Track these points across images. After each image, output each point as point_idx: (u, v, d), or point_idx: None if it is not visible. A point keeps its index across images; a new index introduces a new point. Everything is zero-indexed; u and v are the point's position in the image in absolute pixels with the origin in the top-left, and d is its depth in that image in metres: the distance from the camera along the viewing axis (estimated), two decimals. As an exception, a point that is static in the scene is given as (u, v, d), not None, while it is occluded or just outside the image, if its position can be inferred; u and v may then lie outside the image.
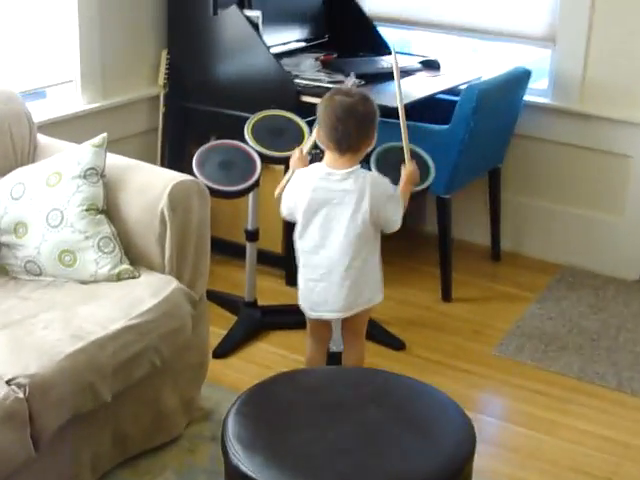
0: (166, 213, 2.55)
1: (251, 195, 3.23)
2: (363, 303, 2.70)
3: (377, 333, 3.37)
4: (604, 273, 3.96)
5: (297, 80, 3.58)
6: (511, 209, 4.13)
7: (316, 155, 3.14)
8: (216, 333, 3.19)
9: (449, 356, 3.29)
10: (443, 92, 3.76)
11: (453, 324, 3.54)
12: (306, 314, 2.75)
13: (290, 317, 3.21)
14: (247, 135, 3.12)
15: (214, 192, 2.98)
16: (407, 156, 2.81)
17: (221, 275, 3.68)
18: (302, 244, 2.67)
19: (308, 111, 3.43)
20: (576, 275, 3.96)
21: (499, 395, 3.14)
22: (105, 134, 2.68)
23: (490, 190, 4.04)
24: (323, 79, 3.60)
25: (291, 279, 3.71)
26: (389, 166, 3.09)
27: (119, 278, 2.54)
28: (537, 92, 3.96)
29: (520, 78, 3.73)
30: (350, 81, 3.55)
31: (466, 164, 3.57)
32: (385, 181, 2.67)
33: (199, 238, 2.64)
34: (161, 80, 3.77)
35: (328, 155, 2.63)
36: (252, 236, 3.35)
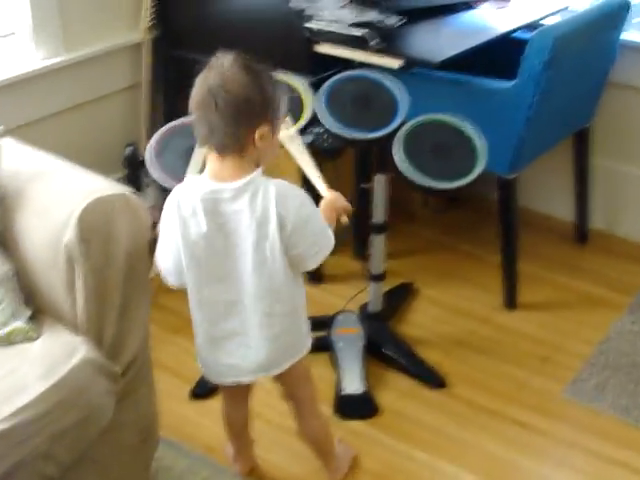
0: (74, 248, 1.79)
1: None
2: (290, 357, 1.94)
3: (410, 364, 2.58)
4: None
5: (312, 24, 2.70)
6: (602, 177, 3.20)
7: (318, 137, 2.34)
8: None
9: (502, 398, 2.47)
10: (515, 30, 2.83)
11: (514, 345, 2.69)
12: (214, 382, 2.02)
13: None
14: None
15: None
16: (321, 187, 2.06)
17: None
18: (198, 295, 1.88)
19: (323, 67, 2.60)
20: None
21: (564, 468, 2.30)
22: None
23: (575, 155, 3.13)
24: (345, 19, 2.69)
25: (315, 275, 2.95)
26: (425, 151, 2.26)
27: (10, 341, 1.82)
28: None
29: (614, 13, 2.75)
30: (393, 19, 2.66)
31: (537, 133, 2.66)
32: (298, 193, 1.81)
33: (129, 279, 1.87)
34: (144, 24, 2.95)
35: (209, 162, 1.82)
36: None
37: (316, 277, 2.99)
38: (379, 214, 2.54)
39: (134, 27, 2.97)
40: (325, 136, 2.32)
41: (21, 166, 1.98)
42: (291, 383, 2.01)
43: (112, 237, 1.83)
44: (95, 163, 2.97)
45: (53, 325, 1.87)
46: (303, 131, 2.29)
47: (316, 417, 2.09)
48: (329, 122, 2.30)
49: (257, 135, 1.73)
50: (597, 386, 2.50)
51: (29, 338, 1.82)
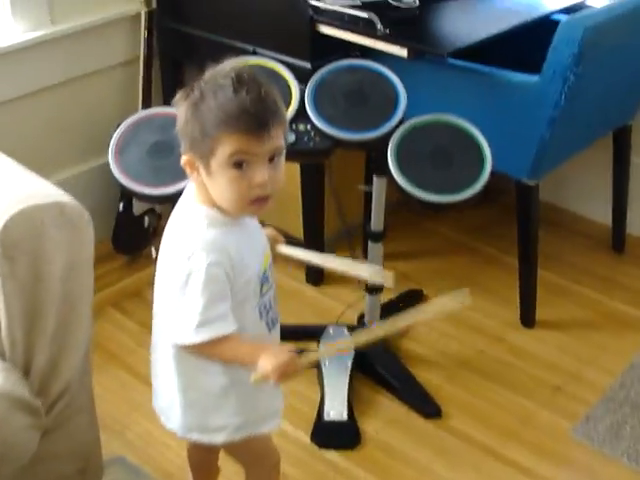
0: (-6, 265, 1.57)
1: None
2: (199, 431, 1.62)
3: (403, 387, 2.33)
4: None
5: (316, 0, 2.42)
6: (645, 179, 2.88)
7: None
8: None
9: (502, 434, 2.20)
10: (550, 14, 2.51)
11: (525, 371, 2.41)
12: None
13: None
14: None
15: (139, 196, 2.00)
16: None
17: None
18: None
19: (327, 51, 2.34)
20: None
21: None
22: None
23: (615, 153, 2.80)
24: (356, -4, 2.41)
25: (314, 275, 2.71)
26: (422, 158, 2.00)
27: None
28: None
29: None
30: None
31: (564, 135, 2.35)
32: (194, 254, 1.43)
33: (65, 301, 1.65)
34: (142, -6, 2.70)
35: None
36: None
37: (315, 277, 2.74)
38: (377, 220, 2.28)
39: (132, -1, 2.72)
40: (312, 134, 2.05)
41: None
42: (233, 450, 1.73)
43: (42, 254, 1.61)
44: (84, 144, 2.79)
45: (-25, 349, 1.67)
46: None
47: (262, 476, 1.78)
48: (316, 118, 2.04)
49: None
50: (612, 426, 2.21)
51: (-62, 364, 1.62)
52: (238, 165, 1.38)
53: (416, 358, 2.44)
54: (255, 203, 1.42)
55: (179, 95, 1.43)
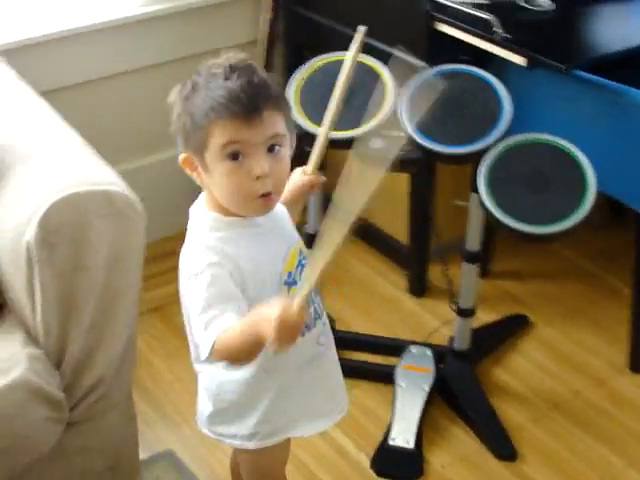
0: (34, 250, 1.53)
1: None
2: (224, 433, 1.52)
3: (481, 422, 2.16)
4: None
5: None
6: None
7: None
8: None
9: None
10: None
11: (621, 422, 2.17)
12: None
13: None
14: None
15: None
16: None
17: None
18: None
19: (443, 51, 2.18)
20: None
21: None
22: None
23: None
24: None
25: (417, 285, 2.56)
26: (515, 184, 1.81)
27: (-46, 342, 1.61)
28: None
29: None
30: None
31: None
32: (193, 261, 1.34)
33: (105, 293, 1.59)
34: (269, -27, 2.61)
35: None
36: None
37: (418, 287, 2.59)
38: (472, 240, 2.10)
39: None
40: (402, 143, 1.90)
41: (16, 142, 1.73)
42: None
43: (85, 243, 1.56)
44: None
45: (9, 330, 1.64)
46: (374, 133, 1.89)
47: None
48: (408, 125, 1.88)
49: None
50: None
51: (-28, 344, 1.60)
52: (234, 156, 1.28)
53: (503, 390, 2.25)
54: (258, 200, 1.31)
55: (173, 91, 1.35)
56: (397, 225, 2.59)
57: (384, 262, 2.71)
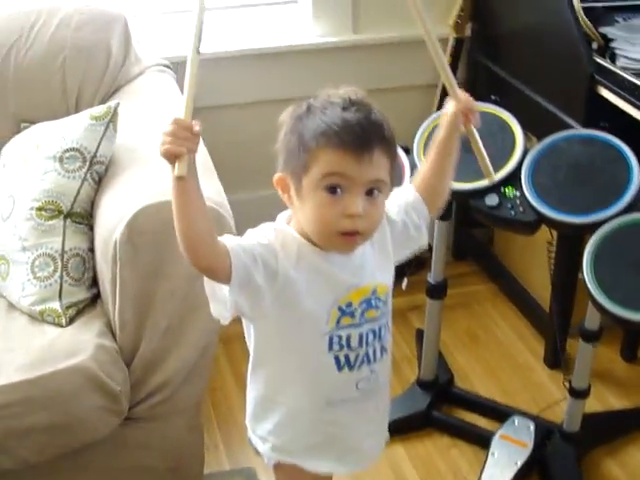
0: (121, 247, 1.62)
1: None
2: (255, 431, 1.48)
3: None
4: None
5: (602, 58, 2.12)
6: None
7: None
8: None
9: None
10: None
11: None
12: None
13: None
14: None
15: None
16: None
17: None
18: None
19: (600, 115, 2.08)
20: None
21: None
22: (116, 101, 1.80)
23: None
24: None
25: (551, 355, 2.46)
26: (625, 271, 1.70)
27: (42, 319, 1.73)
28: None
29: None
30: None
31: None
32: None
33: (184, 302, 1.66)
34: (452, 19, 2.59)
35: None
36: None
37: (553, 359, 2.46)
38: (592, 318, 1.97)
39: (443, 21, 2.61)
40: (517, 202, 1.83)
41: (140, 145, 1.85)
42: None
43: (168, 252, 1.62)
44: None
45: (94, 318, 1.74)
46: (493, 188, 1.83)
47: None
48: (526, 186, 1.81)
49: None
50: None
51: (58, 323, 1.72)
52: (332, 190, 1.25)
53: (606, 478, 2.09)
54: (342, 237, 1.27)
55: (286, 111, 1.32)
56: (536, 286, 2.50)
57: (528, 327, 2.61)
